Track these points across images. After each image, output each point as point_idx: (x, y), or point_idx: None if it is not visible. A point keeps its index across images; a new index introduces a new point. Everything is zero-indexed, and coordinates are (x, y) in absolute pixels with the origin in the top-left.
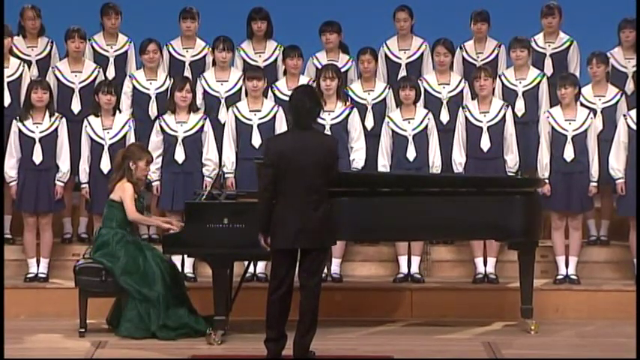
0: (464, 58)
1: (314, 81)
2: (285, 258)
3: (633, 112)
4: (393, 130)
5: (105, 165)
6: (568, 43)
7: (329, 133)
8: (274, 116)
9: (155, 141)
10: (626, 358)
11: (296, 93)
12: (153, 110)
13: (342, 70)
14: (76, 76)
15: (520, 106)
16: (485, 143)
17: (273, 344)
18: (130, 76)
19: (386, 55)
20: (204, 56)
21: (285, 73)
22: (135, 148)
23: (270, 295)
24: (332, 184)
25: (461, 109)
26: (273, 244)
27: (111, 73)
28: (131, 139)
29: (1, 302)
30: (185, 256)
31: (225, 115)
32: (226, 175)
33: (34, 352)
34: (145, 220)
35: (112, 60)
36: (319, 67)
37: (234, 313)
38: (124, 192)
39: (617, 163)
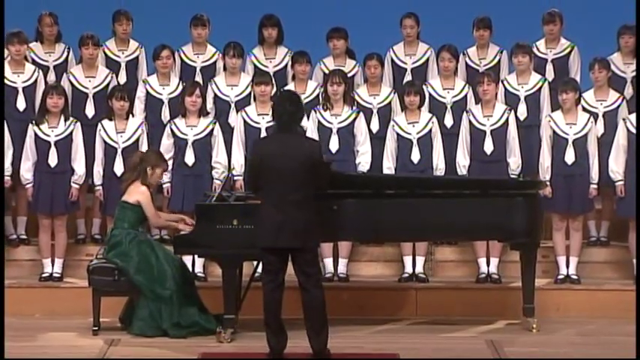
0: (467, 64)
1: (321, 86)
2: (270, 255)
3: (633, 116)
4: (398, 134)
5: (118, 168)
6: (569, 49)
7: (336, 137)
8: None
9: (166, 144)
10: (626, 358)
11: (278, 98)
12: (165, 115)
13: (349, 75)
14: (89, 81)
15: (522, 111)
16: (488, 146)
17: (273, 340)
18: (143, 81)
19: (392, 60)
20: (215, 62)
21: (293, 78)
22: (154, 155)
23: (263, 290)
24: (324, 181)
25: (465, 113)
26: (258, 242)
27: (122, 78)
28: (144, 142)
29: (2, 301)
30: (195, 256)
31: (235, 119)
32: (235, 178)
33: (49, 350)
34: (168, 225)
35: (123, 65)
36: (326, 72)
37: (243, 312)
38: (143, 196)
39: (617, 166)
